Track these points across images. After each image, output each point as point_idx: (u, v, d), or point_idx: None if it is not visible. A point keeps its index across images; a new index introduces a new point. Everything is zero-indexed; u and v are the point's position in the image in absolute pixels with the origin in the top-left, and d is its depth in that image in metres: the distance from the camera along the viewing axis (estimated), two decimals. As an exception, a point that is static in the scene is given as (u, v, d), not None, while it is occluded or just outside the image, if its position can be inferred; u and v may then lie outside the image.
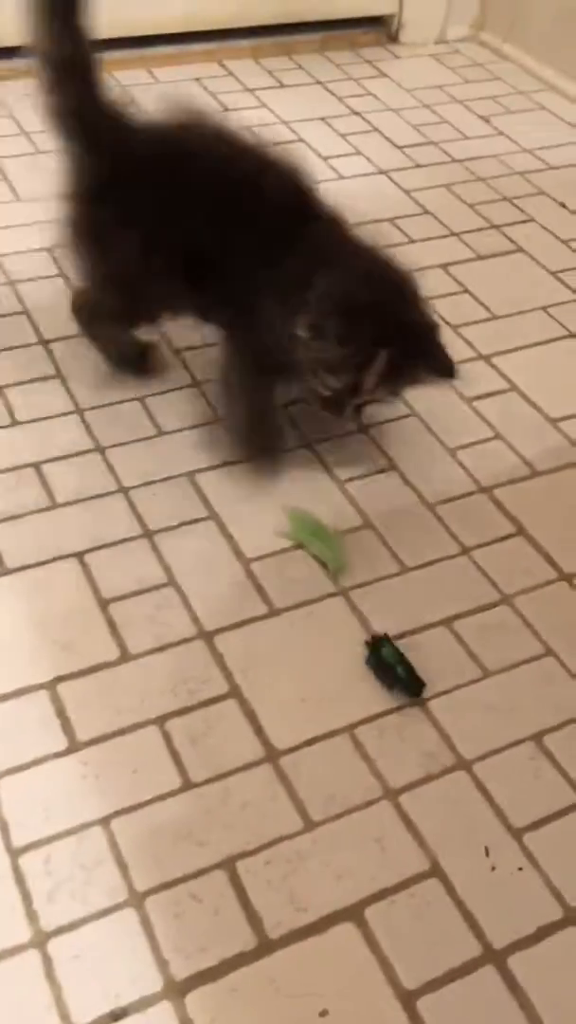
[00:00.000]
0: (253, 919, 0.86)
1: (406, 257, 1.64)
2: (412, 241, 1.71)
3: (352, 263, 1.16)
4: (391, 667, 1.04)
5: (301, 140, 1.95)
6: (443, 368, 1.15)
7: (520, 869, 0.91)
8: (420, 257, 1.67)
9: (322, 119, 2.03)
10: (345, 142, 1.97)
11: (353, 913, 0.87)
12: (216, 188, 1.15)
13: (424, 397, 1.40)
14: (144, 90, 2.05)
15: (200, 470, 1.27)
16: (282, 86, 2.14)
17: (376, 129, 2.02)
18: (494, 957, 0.85)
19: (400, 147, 1.97)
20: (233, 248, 1.14)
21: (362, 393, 1.15)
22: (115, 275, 1.23)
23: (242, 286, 1.15)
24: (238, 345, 1.24)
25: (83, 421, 1.31)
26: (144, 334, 1.38)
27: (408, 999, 0.82)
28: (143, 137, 1.20)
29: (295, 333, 1.11)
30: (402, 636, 1.09)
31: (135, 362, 1.38)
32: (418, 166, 1.92)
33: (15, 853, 0.89)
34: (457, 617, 1.12)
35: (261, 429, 1.29)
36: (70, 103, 1.16)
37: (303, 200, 1.20)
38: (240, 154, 1.20)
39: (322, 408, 1.19)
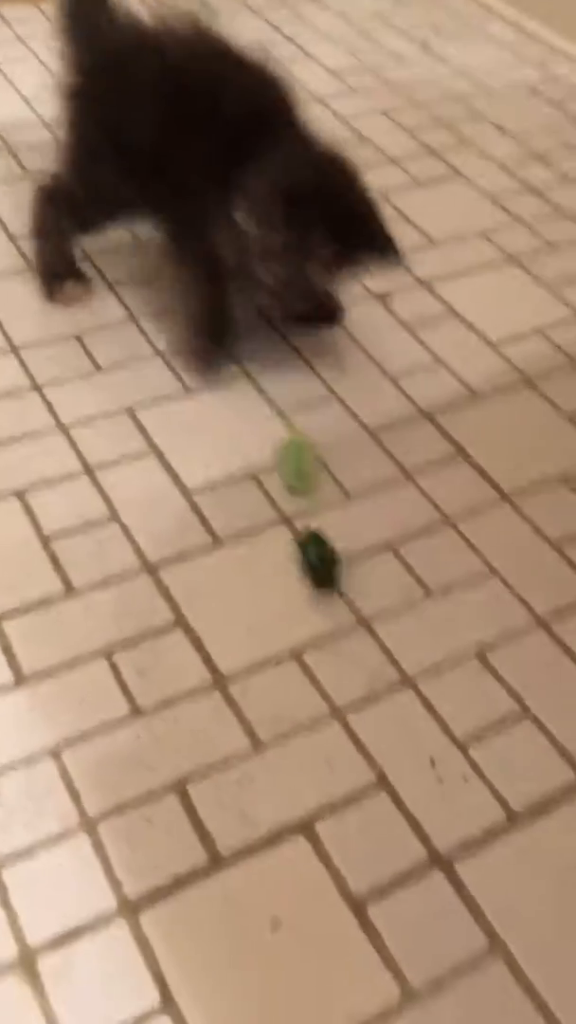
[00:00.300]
0: (205, 838, 0.87)
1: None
2: (349, 169, 1.69)
3: (291, 151, 1.18)
4: (308, 561, 1.07)
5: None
6: (385, 247, 1.19)
7: (465, 778, 0.93)
8: (358, 184, 1.65)
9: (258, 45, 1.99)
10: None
11: (303, 827, 0.89)
12: (182, 91, 1.18)
13: (364, 324, 1.40)
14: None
15: (140, 405, 1.25)
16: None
17: (310, 55, 1.98)
18: (441, 862, 0.88)
19: (335, 72, 1.94)
20: (189, 149, 1.17)
21: (308, 280, 1.17)
22: (82, 163, 1.29)
23: (196, 186, 1.17)
24: (190, 243, 1.24)
25: (19, 359, 1.29)
26: (82, 259, 1.38)
27: (358, 907, 0.85)
28: (124, 38, 1.27)
29: (237, 222, 1.13)
30: (347, 560, 1.10)
31: (57, 280, 1.36)
32: (354, 91, 1.89)
33: (-35, 787, 0.89)
34: (401, 540, 1.13)
35: (213, 323, 1.29)
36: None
37: (268, 108, 1.21)
38: (215, 61, 1.22)
39: (272, 302, 1.23)
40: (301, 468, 1.17)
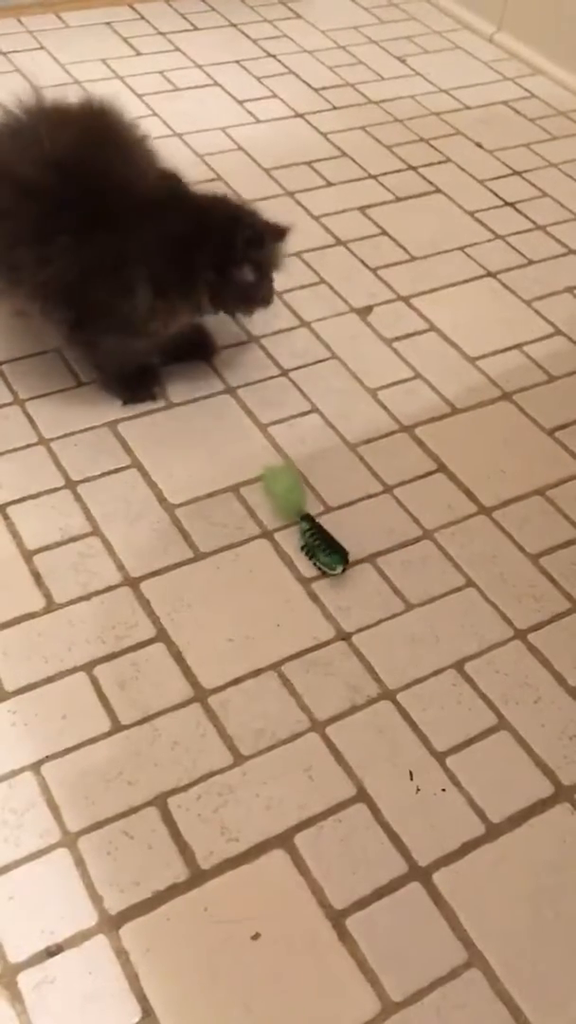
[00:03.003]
0: (185, 851, 0.88)
1: (325, 201, 1.66)
2: (330, 184, 1.71)
3: (214, 208, 1.22)
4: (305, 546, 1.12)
5: (217, 84, 1.93)
6: (274, 232, 1.24)
7: (443, 790, 0.94)
8: (338, 200, 1.67)
9: (237, 62, 2.01)
10: (261, 85, 1.95)
11: (283, 840, 0.89)
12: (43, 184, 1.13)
13: (344, 339, 1.41)
14: (55, 35, 2.01)
15: (122, 419, 1.26)
16: (195, 29, 2.10)
17: (292, 72, 2.00)
18: (420, 874, 0.89)
19: (316, 89, 1.95)
20: (63, 229, 1.12)
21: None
22: None
23: (94, 262, 1.13)
24: (99, 319, 1.19)
25: (1, 374, 1.30)
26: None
27: (337, 918, 0.85)
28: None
29: (246, 279, 1.20)
30: (327, 575, 1.11)
31: None
32: (335, 108, 1.91)
33: (-54, 802, 0.89)
34: (380, 553, 1.14)
35: (137, 381, 1.30)
36: None
37: (92, 170, 1.16)
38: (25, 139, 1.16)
39: (256, 307, 1.28)
40: (288, 495, 1.17)
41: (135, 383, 1.29)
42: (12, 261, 1.15)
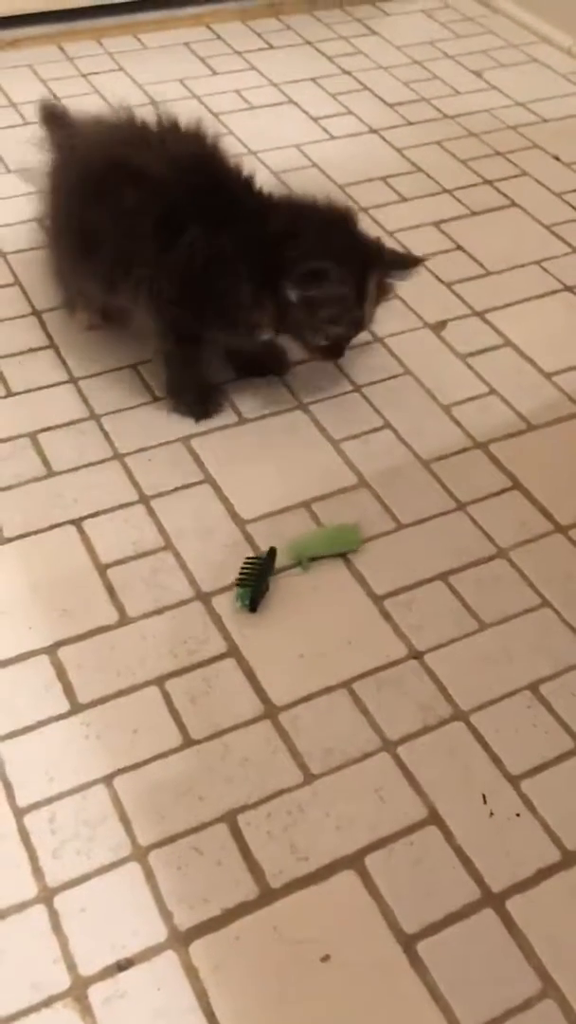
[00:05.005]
0: (255, 869, 0.88)
1: (399, 216, 1.66)
2: (405, 199, 1.70)
3: (304, 217, 1.23)
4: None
5: (292, 102, 1.94)
6: (408, 261, 1.26)
7: (518, 815, 0.93)
8: (413, 215, 1.66)
9: (312, 79, 2.02)
10: (336, 102, 1.95)
11: (353, 861, 0.89)
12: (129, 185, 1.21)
13: (418, 355, 1.40)
14: (133, 56, 2.04)
15: (195, 435, 1.27)
16: (271, 47, 2.12)
17: (367, 88, 2.00)
18: (493, 900, 0.87)
19: (391, 105, 1.95)
20: (136, 227, 1.20)
21: (365, 328, 1.26)
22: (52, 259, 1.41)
23: (174, 263, 1.19)
24: (170, 319, 1.25)
25: (78, 390, 1.32)
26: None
27: (408, 943, 0.84)
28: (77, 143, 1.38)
29: (289, 298, 1.18)
30: (399, 592, 1.10)
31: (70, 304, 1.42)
32: (410, 123, 1.90)
33: (20, 813, 0.90)
34: (453, 572, 1.13)
35: (197, 395, 1.31)
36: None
37: (211, 170, 1.24)
38: (145, 141, 1.26)
39: (325, 358, 1.29)
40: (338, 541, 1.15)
41: (204, 402, 1.31)
42: (131, 255, 1.21)
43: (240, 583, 1.08)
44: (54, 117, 1.56)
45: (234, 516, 1.18)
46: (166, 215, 1.19)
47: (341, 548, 1.14)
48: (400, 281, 1.26)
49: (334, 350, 1.27)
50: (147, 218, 1.19)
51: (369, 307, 1.22)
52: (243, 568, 1.09)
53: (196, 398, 1.30)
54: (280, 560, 1.12)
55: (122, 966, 0.82)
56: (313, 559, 1.13)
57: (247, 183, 1.24)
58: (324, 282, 1.17)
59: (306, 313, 1.20)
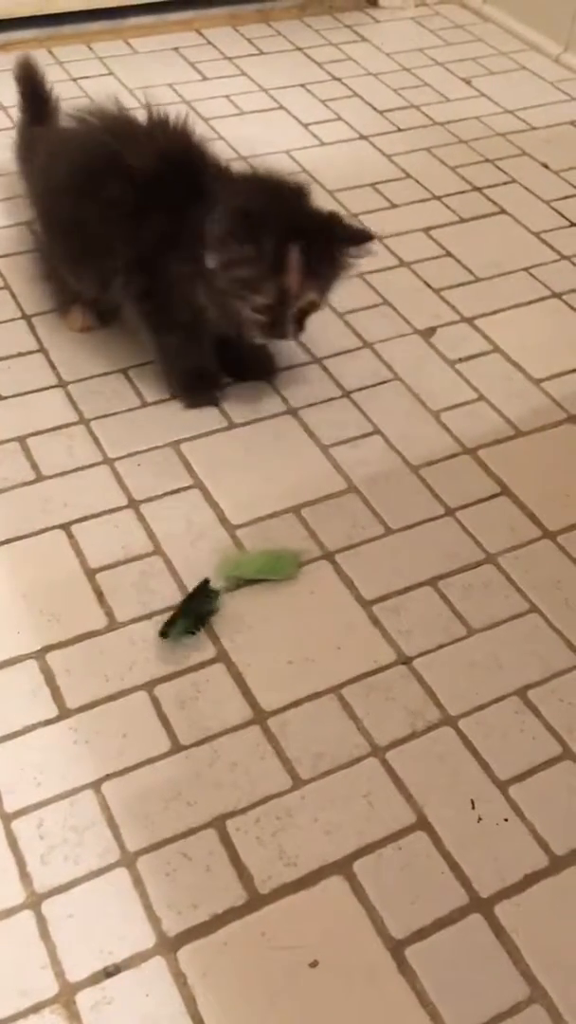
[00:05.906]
0: (243, 875, 0.88)
1: (388, 222, 1.66)
2: (394, 206, 1.71)
3: (241, 185, 1.24)
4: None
5: (282, 107, 1.94)
6: (357, 235, 1.20)
7: (506, 820, 0.93)
8: (402, 221, 1.67)
9: (302, 85, 2.02)
10: (326, 108, 1.96)
11: (342, 866, 0.89)
12: (106, 172, 1.24)
13: (407, 360, 1.41)
14: (123, 61, 2.04)
15: (184, 439, 1.27)
16: (261, 53, 2.12)
17: (357, 94, 2.01)
18: (481, 905, 0.87)
19: (381, 111, 1.96)
20: (126, 220, 1.23)
21: (292, 299, 1.18)
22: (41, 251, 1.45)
23: (144, 250, 1.22)
24: (149, 310, 1.28)
25: (67, 394, 1.32)
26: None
27: (397, 948, 0.84)
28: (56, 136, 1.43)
29: (208, 266, 1.16)
30: (388, 597, 1.10)
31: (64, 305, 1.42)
32: (400, 130, 1.91)
33: (8, 818, 0.90)
34: (442, 577, 1.13)
35: (196, 382, 1.32)
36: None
37: (190, 160, 1.26)
38: (129, 132, 1.30)
39: (267, 336, 1.23)
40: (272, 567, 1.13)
41: (196, 385, 1.32)
42: (109, 238, 1.24)
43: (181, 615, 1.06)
44: (30, 77, 1.57)
45: (223, 521, 1.18)
46: (138, 207, 1.21)
47: (275, 575, 1.11)
48: (358, 258, 1.21)
49: (276, 326, 1.20)
50: (121, 210, 1.22)
51: (293, 275, 1.15)
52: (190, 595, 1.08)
53: (187, 380, 1.32)
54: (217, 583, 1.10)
55: (110, 972, 0.81)
56: (247, 582, 1.10)
57: (215, 167, 1.26)
58: (232, 243, 1.14)
59: (224, 280, 1.16)
